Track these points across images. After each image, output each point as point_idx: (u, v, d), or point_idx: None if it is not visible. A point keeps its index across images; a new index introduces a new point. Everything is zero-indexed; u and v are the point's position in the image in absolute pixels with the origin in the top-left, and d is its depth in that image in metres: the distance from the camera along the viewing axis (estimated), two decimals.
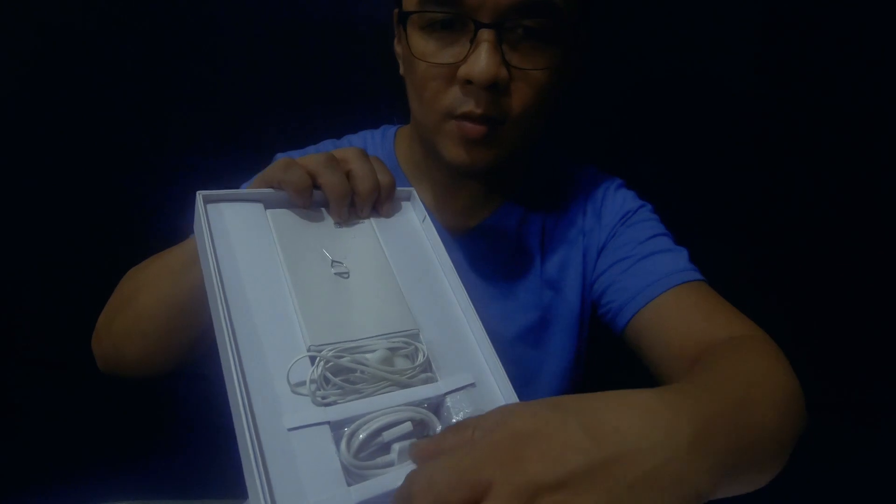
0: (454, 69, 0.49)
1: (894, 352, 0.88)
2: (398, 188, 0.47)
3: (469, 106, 0.49)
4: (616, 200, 0.64)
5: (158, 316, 0.50)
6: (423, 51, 0.51)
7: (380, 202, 0.46)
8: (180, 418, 0.84)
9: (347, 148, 0.44)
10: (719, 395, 0.34)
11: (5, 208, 0.83)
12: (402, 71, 0.58)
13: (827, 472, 0.82)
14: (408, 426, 0.34)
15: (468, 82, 0.48)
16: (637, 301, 0.56)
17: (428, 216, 0.47)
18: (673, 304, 0.55)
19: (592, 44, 0.57)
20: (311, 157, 0.42)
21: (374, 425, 0.33)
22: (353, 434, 0.33)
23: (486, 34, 0.47)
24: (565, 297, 0.63)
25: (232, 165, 0.67)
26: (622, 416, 0.28)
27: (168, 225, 0.57)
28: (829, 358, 0.89)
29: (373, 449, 0.33)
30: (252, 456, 0.29)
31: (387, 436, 0.33)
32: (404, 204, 0.49)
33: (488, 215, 0.64)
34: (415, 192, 0.49)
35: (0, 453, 0.81)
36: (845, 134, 0.83)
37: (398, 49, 0.58)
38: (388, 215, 0.47)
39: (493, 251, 0.63)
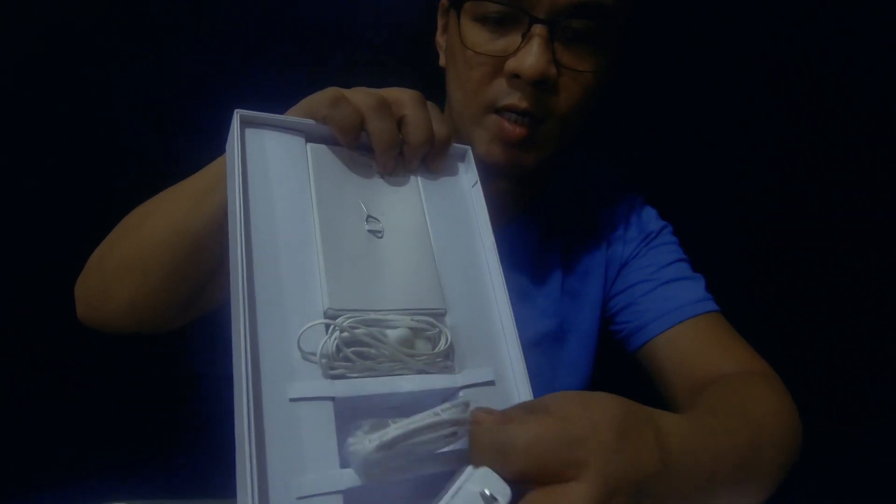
0: (502, 61, 0.48)
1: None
2: (454, 145, 0.43)
3: (513, 99, 0.49)
4: (641, 218, 0.64)
5: (166, 245, 0.44)
6: (473, 40, 0.50)
7: (431, 156, 0.41)
8: (179, 419, 0.84)
9: (403, 90, 0.40)
10: (732, 435, 0.38)
11: (5, 208, 0.83)
12: (442, 62, 0.57)
13: (826, 473, 0.82)
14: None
15: (515, 76, 0.48)
16: (654, 326, 0.58)
17: (479, 183, 0.43)
18: (689, 334, 0.56)
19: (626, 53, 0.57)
20: (362, 95, 0.38)
21: (412, 426, 0.27)
22: (384, 433, 0.28)
23: (539, 29, 0.46)
24: (584, 308, 0.63)
25: None
26: (673, 440, 0.31)
27: None
28: (829, 358, 0.89)
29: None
30: (246, 423, 0.27)
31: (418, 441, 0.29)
32: (458, 164, 0.44)
33: (513, 219, 0.63)
34: (470, 153, 0.44)
35: (0, 453, 0.81)
36: (856, 143, 0.83)
37: (440, 40, 0.58)
38: (439, 173, 0.42)
39: (515, 256, 0.62)
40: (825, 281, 0.88)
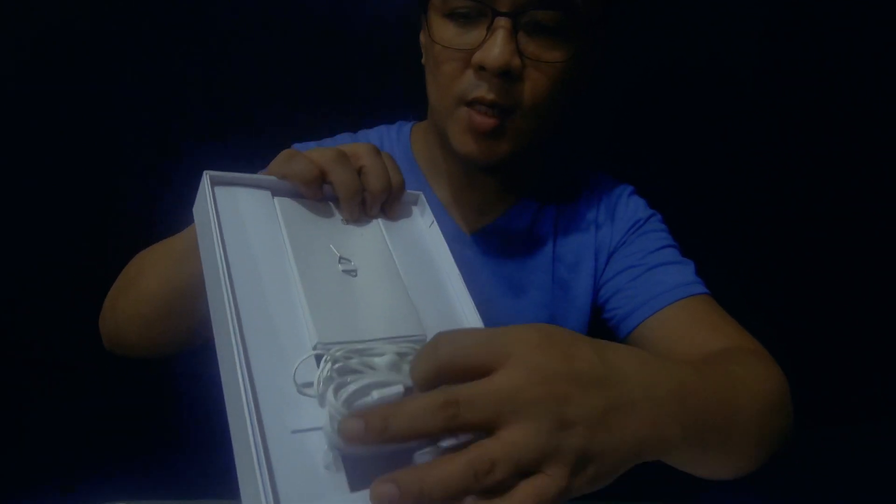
0: (470, 55, 0.51)
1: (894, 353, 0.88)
2: (406, 192, 0.46)
3: (481, 91, 0.51)
4: (629, 206, 0.65)
5: (158, 300, 0.50)
6: (441, 36, 0.52)
7: (389, 202, 0.44)
8: (179, 419, 0.84)
9: (359, 143, 0.43)
10: (702, 375, 0.37)
11: (5, 208, 0.83)
12: (423, 60, 0.59)
13: (826, 473, 0.82)
14: (398, 390, 0.31)
15: (482, 68, 0.50)
16: (644, 310, 0.58)
17: (435, 222, 0.46)
18: (678, 316, 0.56)
19: (608, 45, 0.58)
20: (320, 151, 0.41)
21: (365, 381, 0.31)
22: (341, 387, 0.31)
23: (502, 22, 0.49)
24: (575, 298, 0.64)
25: (243, 163, 0.67)
26: (622, 355, 0.32)
27: (171, 225, 0.57)
28: (829, 358, 0.89)
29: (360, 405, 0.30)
30: (256, 458, 0.27)
31: (377, 395, 0.31)
32: (413, 208, 0.47)
33: (502, 213, 0.65)
34: (423, 197, 0.47)
35: (0, 453, 0.81)
36: (850, 141, 0.83)
37: (423, 38, 0.59)
38: (396, 217, 0.45)
39: (505, 249, 0.64)
40: (822, 274, 0.88)
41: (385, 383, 0.31)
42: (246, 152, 0.83)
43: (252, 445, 0.28)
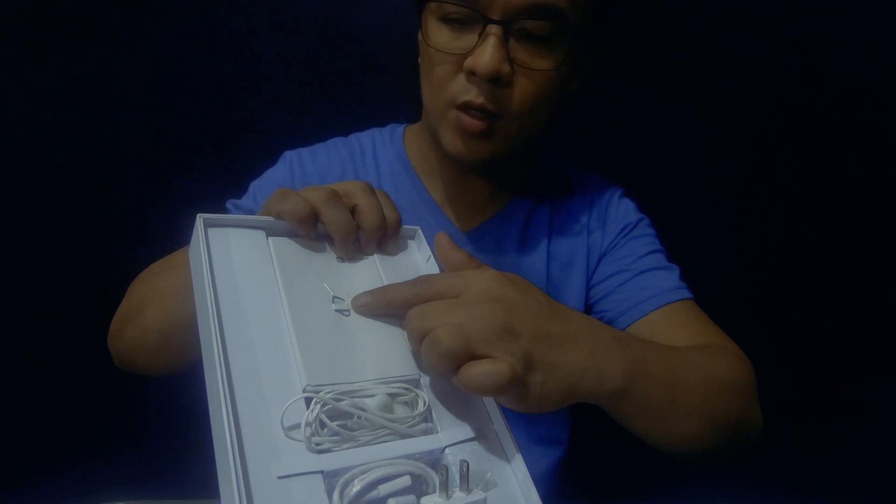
0: (462, 59, 0.52)
1: (890, 353, 0.89)
2: (403, 227, 0.45)
3: (470, 96, 0.52)
4: (620, 209, 0.67)
5: (163, 332, 0.51)
6: (435, 39, 0.53)
7: (385, 239, 0.44)
8: (179, 418, 0.84)
9: (352, 181, 0.43)
10: (642, 341, 0.43)
11: (5, 209, 0.83)
12: (420, 59, 0.60)
13: (826, 472, 0.83)
14: (406, 480, 0.31)
15: (472, 73, 0.51)
16: (630, 315, 0.60)
17: (433, 257, 0.45)
18: (663, 321, 0.59)
19: (605, 52, 0.58)
20: (312, 191, 0.41)
21: (371, 477, 0.31)
22: (347, 484, 0.31)
23: (493, 29, 0.50)
24: (568, 296, 0.65)
25: (239, 163, 0.67)
26: (568, 307, 0.39)
27: (170, 225, 0.57)
28: (813, 359, 0.90)
29: (367, 502, 0.31)
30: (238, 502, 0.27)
31: (383, 489, 0.31)
32: (410, 243, 0.47)
33: (498, 212, 0.66)
34: (420, 232, 0.47)
35: None
36: (847, 146, 0.84)
37: (420, 38, 0.60)
38: (393, 253, 0.45)
39: (499, 249, 0.65)
40: (808, 275, 0.89)
41: (391, 476, 0.31)
42: (240, 154, 0.83)
43: (235, 494, 0.27)
